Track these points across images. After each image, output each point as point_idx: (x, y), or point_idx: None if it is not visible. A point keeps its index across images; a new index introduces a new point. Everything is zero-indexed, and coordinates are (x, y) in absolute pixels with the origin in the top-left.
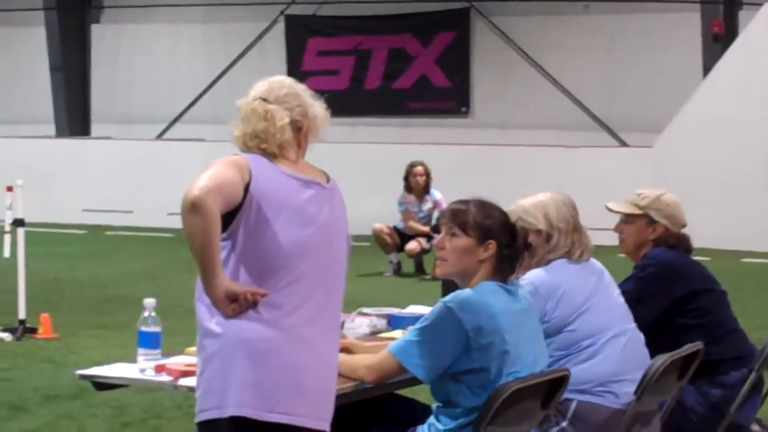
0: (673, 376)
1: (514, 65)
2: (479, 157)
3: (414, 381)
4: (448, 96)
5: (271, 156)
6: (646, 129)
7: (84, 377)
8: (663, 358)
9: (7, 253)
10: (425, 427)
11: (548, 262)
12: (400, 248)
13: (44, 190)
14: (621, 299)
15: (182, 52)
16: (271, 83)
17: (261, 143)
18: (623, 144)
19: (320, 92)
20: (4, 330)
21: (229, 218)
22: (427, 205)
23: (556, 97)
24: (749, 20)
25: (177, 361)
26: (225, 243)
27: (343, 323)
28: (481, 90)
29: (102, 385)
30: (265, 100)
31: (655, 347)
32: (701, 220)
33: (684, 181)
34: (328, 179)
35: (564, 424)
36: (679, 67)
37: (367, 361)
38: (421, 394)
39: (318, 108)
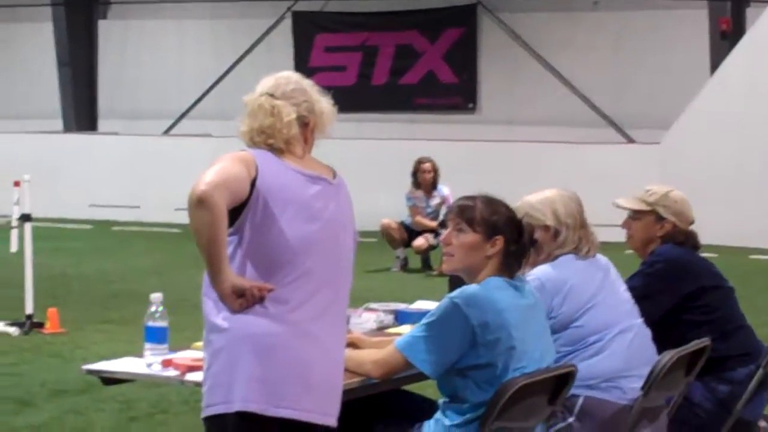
0: (680, 372)
1: (521, 61)
2: (486, 153)
3: (421, 376)
4: (455, 92)
5: (277, 151)
6: (654, 125)
7: (91, 372)
8: (670, 354)
9: (14, 248)
10: (432, 422)
11: (555, 257)
12: (407, 244)
13: (51, 186)
14: (627, 295)
15: (189, 47)
16: (277, 79)
17: (268, 139)
18: (630, 140)
19: (327, 88)
20: (12, 325)
21: (235, 213)
22: (435, 201)
23: (563, 93)
24: (757, 17)
25: (184, 356)
26: (232, 238)
27: (348, 318)
28: (488, 86)
29: (109, 379)
30: (271, 95)
31: (662, 343)
32: (709, 216)
33: (691, 178)
34: (334, 175)
35: (571, 419)
36: (687, 63)
37: (373, 357)
38: (428, 389)
39: (325, 104)
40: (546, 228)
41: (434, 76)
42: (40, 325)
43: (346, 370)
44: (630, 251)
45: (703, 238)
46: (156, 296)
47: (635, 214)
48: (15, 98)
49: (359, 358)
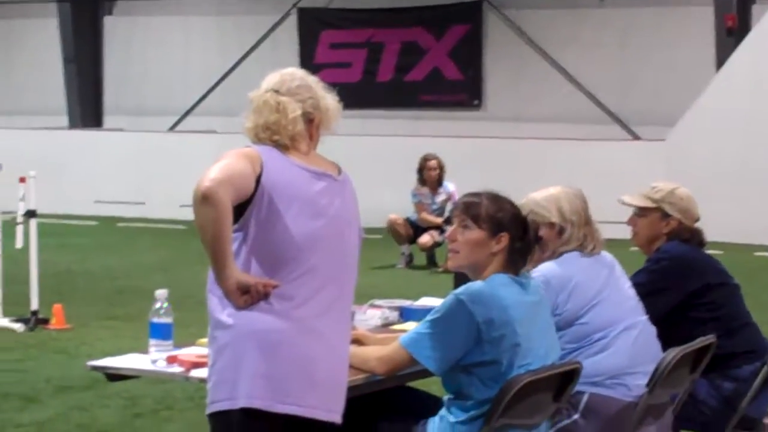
0: (685, 369)
1: (526, 58)
2: (491, 150)
3: (425, 373)
4: (460, 89)
5: (282, 148)
6: (659, 122)
7: (96, 368)
8: (675, 351)
9: (19, 244)
10: (436, 419)
11: (560, 254)
12: (413, 240)
13: (57, 182)
14: (632, 292)
15: (195, 44)
16: (283, 75)
17: (273, 135)
18: (636, 137)
19: (332, 85)
20: (17, 321)
21: (240, 210)
22: (441, 198)
23: (568, 90)
24: (762, 14)
25: (188, 353)
26: (236, 234)
27: (353, 315)
28: (494, 83)
29: (114, 376)
30: (277, 92)
31: (667, 340)
32: (714, 213)
33: (696, 175)
34: (339, 171)
35: (576, 416)
36: (692, 60)
37: (378, 353)
38: (433, 386)
39: (330, 100)
40: (551, 225)
41: (440, 72)
42: (45, 321)
43: (351, 366)
44: (635, 248)
45: (709, 235)
46: (161, 292)
47: (641, 211)
48: (20, 94)
49: (364, 355)
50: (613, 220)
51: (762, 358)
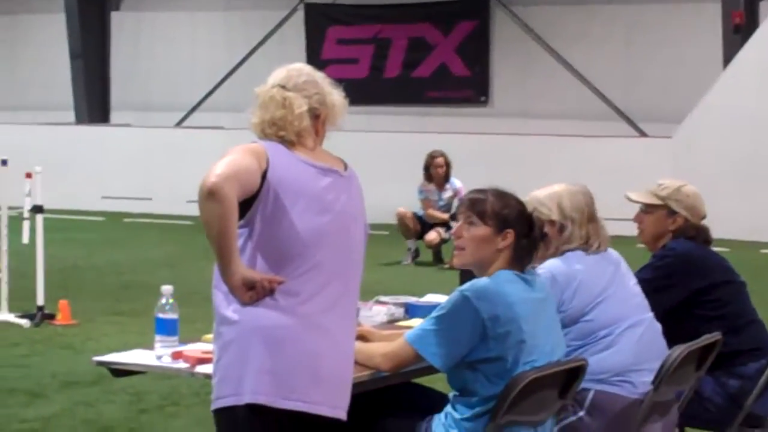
0: (691, 366)
1: (533, 54)
2: (498, 146)
3: (431, 370)
4: (467, 85)
5: (288, 143)
6: (666, 119)
7: (101, 364)
8: (681, 349)
9: (25, 240)
10: (442, 416)
11: (563, 252)
12: (420, 235)
13: (63, 177)
14: (638, 289)
15: (202, 39)
16: (289, 70)
17: (279, 131)
18: (643, 134)
19: (339, 81)
20: (23, 316)
21: (246, 206)
22: (447, 194)
23: (575, 86)
24: None
25: (194, 348)
26: (242, 230)
27: (358, 311)
28: (501, 79)
29: (119, 371)
30: (283, 87)
31: (673, 337)
32: (720, 210)
33: (703, 172)
34: (345, 167)
35: (581, 413)
36: (699, 57)
37: (383, 349)
38: (438, 382)
39: (336, 96)
40: (551, 223)
41: (446, 69)
42: (52, 316)
43: (356, 362)
44: (642, 245)
45: (715, 232)
46: (166, 288)
47: (647, 208)
48: (27, 90)
49: (369, 351)
50: (619, 217)
51: (767, 355)
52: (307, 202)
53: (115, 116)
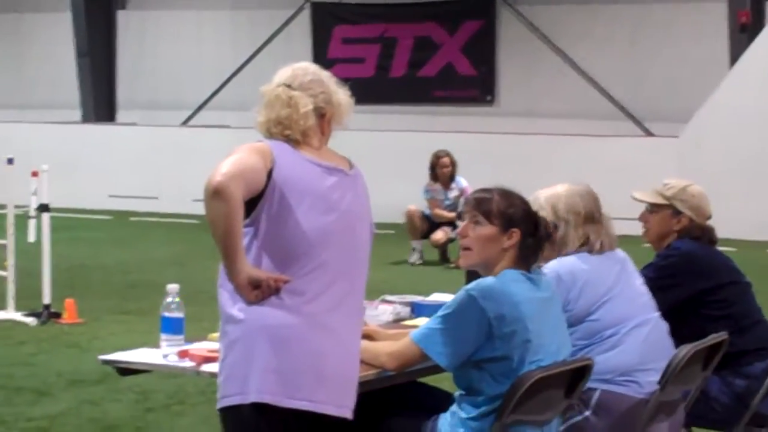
0: (697, 366)
1: (539, 54)
2: (504, 145)
3: (436, 369)
4: (473, 84)
5: (294, 143)
6: (672, 119)
7: (107, 362)
8: (687, 348)
9: (32, 238)
10: (447, 415)
11: (565, 254)
12: (426, 235)
13: (70, 176)
14: (644, 288)
15: (208, 38)
16: (295, 70)
17: (284, 130)
18: (649, 134)
19: (345, 80)
20: (29, 315)
21: (251, 205)
22: (453, 193)
23: (581, 86)
24: None
25: (200, 347)
26: (248, 229)
27: (363, 310)
28: (506, 79)
29: (125, 370)
30: (288, 86)
31: (679, 337)
32: (727, 210)
33: (709, 171)
34: (351, 166)
35: (587, 413)
36: (706, 56)
37: (389, 349)
38: (444, 382)
39: (342, 95)
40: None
41: (452, 68)
42: (58, 315)
43: (362, 362)
44: (648, 244)
45: (721, 232)
46: (172, 287)
47: (652, 208)
48: (33, 88)
49: (375, 350)
50: (625, 217)
51: None
52: (313, 201)
53: (121, 115)
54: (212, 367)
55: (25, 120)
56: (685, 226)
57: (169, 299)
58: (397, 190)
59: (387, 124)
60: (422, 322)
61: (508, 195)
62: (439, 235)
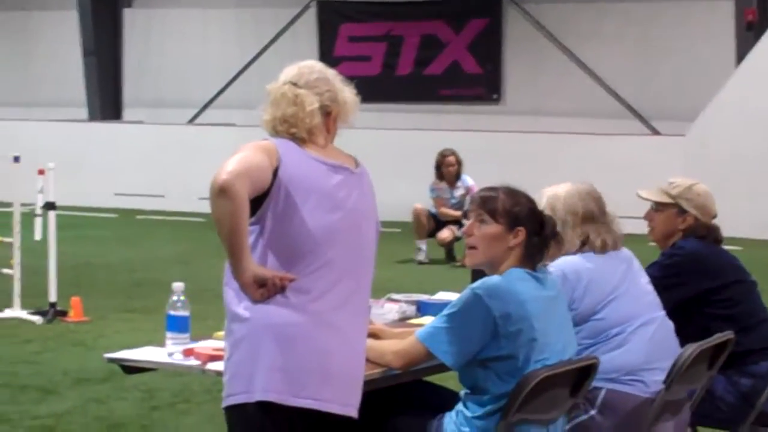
0: (703, 365)
1: (545, 52)
2: (510, 144)
3: (442, 367)
4: (479, 83)
5: (300, 141)
6: (679, 117)
7: (113, 361)
8: (693, 347)
9: (38, 236)
10: (453, 414)
11: (567, 253)
12: (432, 234)
13: (76, 174)
14: (650, 287)
15: (214, 36)
16: (301, 68)
17: (290, 128)
18: (655, 132)
19: (351, 78)
20: (35, 313)
21: (257, 203)
22: (459, 192)
23: (587, 84)
24: None
25: (205, 346)
26: (253, 228)
27: (369, 309)
28: (513, 77)
29: (131, 368)
30: (294, 84)
31: (685, 336)
32: (733, 209)
33: (716, 170)
34: (356, 164)
35: (593, 412)
36: (712, 55)
37: (394, 347)
38: (450, 380)
39: (348, 93)
40: None
41: (459, 66)
42: (64, 313)
43: (368, 360)
44: (653, 243)
45: (727, 231)
46: (177, 285)
47: (657, 206)
48: (39, 86)
49: (380, 349)
50: (631, 215)
51: None
52: (318, 199)
53: (127, 113)
54: (218, 366)
55: (32, 118)
56: (691, 225)
57: (174, 297)
58: (402, 189)
59: (393, 122)
60: (428, 320)
61: (513, 194)
62: (446, 233)
